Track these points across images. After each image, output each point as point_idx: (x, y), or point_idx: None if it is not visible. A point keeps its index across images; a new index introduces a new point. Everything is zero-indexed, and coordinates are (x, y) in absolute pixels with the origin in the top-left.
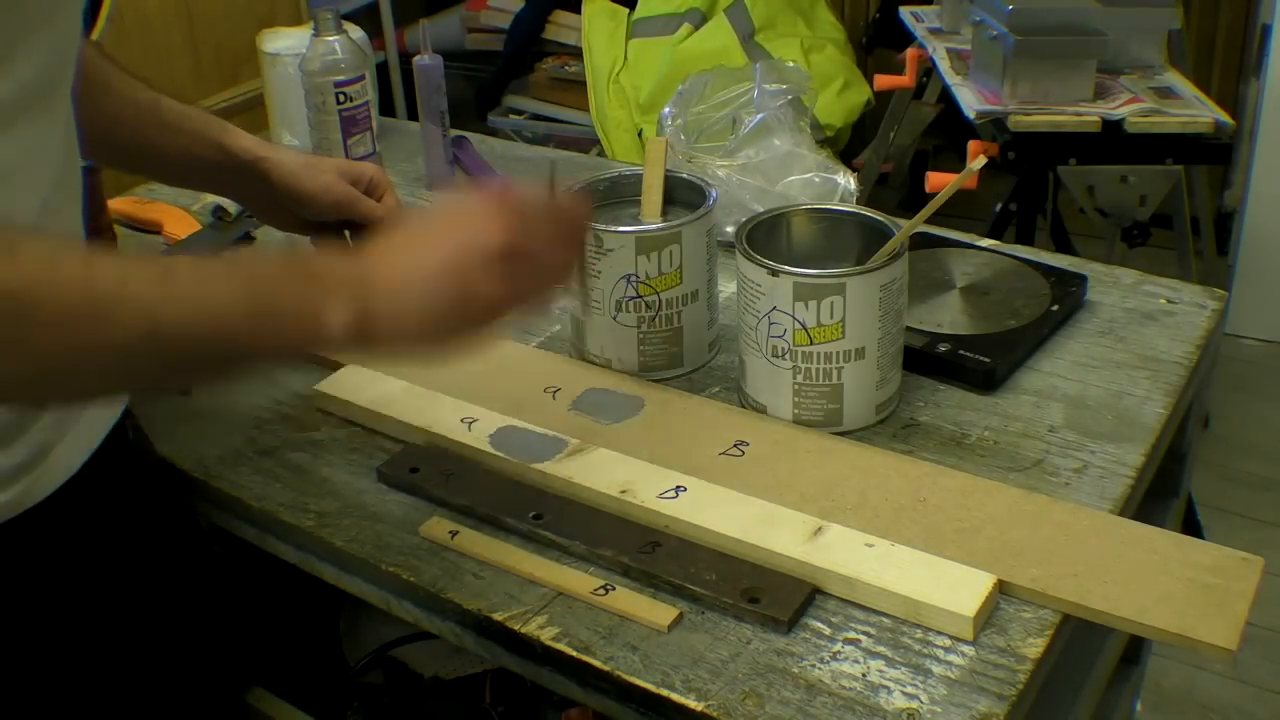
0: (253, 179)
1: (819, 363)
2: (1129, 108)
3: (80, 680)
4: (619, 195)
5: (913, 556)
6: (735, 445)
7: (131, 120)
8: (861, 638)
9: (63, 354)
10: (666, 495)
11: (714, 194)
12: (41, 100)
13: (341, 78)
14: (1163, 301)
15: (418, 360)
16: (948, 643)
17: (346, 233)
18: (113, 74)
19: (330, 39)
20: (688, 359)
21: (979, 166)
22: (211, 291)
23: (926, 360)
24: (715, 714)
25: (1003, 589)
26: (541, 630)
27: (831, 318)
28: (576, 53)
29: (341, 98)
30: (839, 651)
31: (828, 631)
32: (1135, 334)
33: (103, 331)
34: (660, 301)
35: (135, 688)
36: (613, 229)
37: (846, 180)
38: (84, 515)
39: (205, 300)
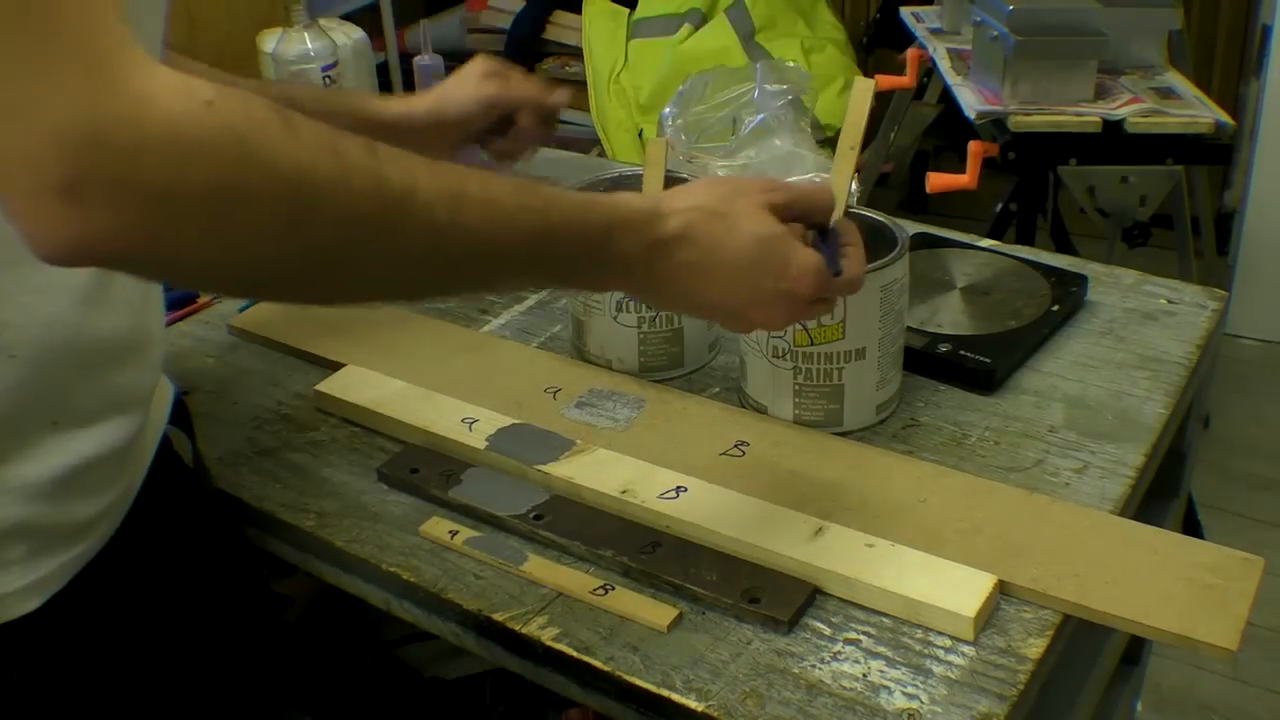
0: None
1: (819, 363)
2: (1129, 108)
3: (133, 711)
4: None
5: (913, 556)
6: (736, 445)
7: None
8: (862, 638)
9: (340, 250)
10: (667, 495)
11: None
12: None
13: (325, 63)
14: (1163, 302)
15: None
16: (948, 643)
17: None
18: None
19: (301, 31)
20: (688, 359)
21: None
22: (501, 227)
23: (927, 360)
24: (716, 714)
25: (1003, 589)
26: (542, 630)
27: (832, 318)
28: (577, 53)
29: (328, 81)
30: (839, 652)
31: (828, 632)
32: (1135, 334)
33: (384, 238)
34: None
35: (185, 713)
36: None
37: None
38: (141, 550)
39: (493, 237)
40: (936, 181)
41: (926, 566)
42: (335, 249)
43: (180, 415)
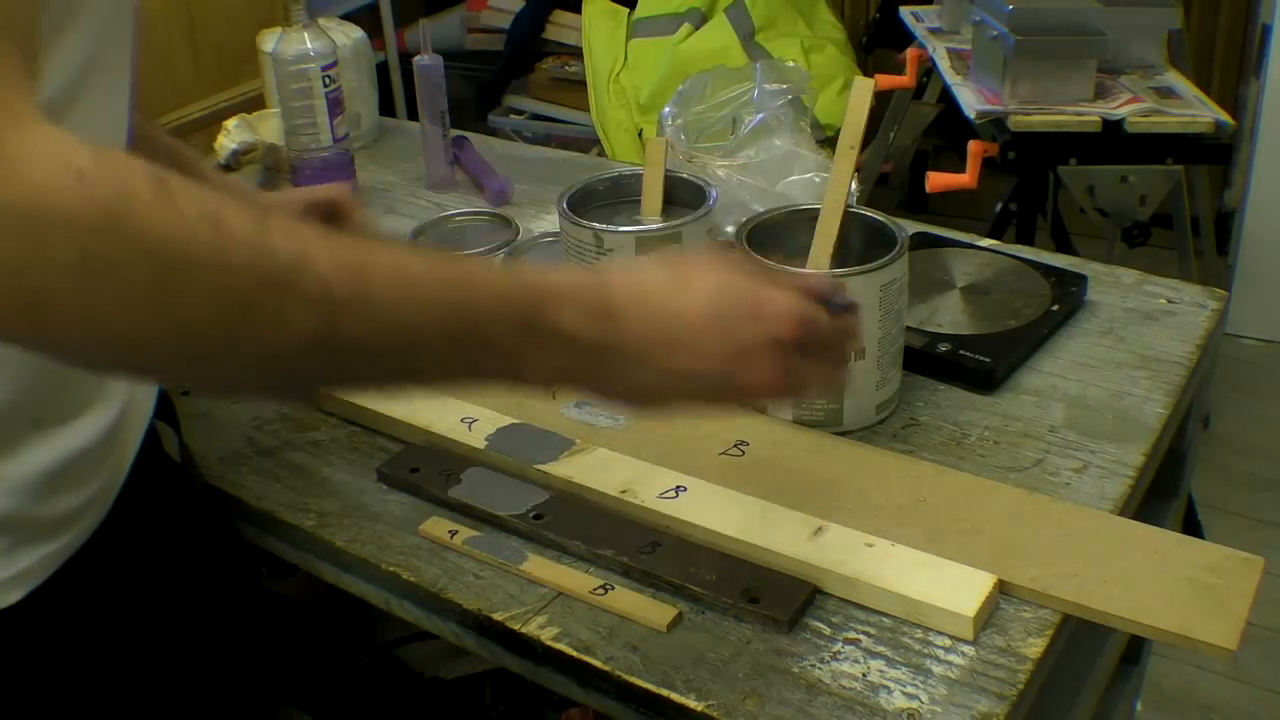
0: None
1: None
2: (1129, 107)
3: (118, 705)
4: (619, 195)
5: (913, 556)
6: (735, 445)
7: None
8: (862, 638)
9: (218, 332)
10: (667, 495)
11: (714, 194)
12: (97, 77)
13: (325, 62)
14: (1163, 301)
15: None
16: (948, 642)
17: None
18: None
19: (301, 30)
20: None
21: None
22: (411, 301)
23: (927, 360)
24: (716, 714)
25: (1003, 589)
26: (541, 630)
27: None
28: (576, 53)
29: (327, 80)
30: (839, 651)
31: (828, 631)
32: (1135, 334)
33: (269, 320)
34: None
35: (171, 707)
36: (613, 229)
37: None
38: (126, 544)
39: (402, 310)
40: (936, 181)
41: (926, 566)
42: (212, 332)
43: (167, 410)
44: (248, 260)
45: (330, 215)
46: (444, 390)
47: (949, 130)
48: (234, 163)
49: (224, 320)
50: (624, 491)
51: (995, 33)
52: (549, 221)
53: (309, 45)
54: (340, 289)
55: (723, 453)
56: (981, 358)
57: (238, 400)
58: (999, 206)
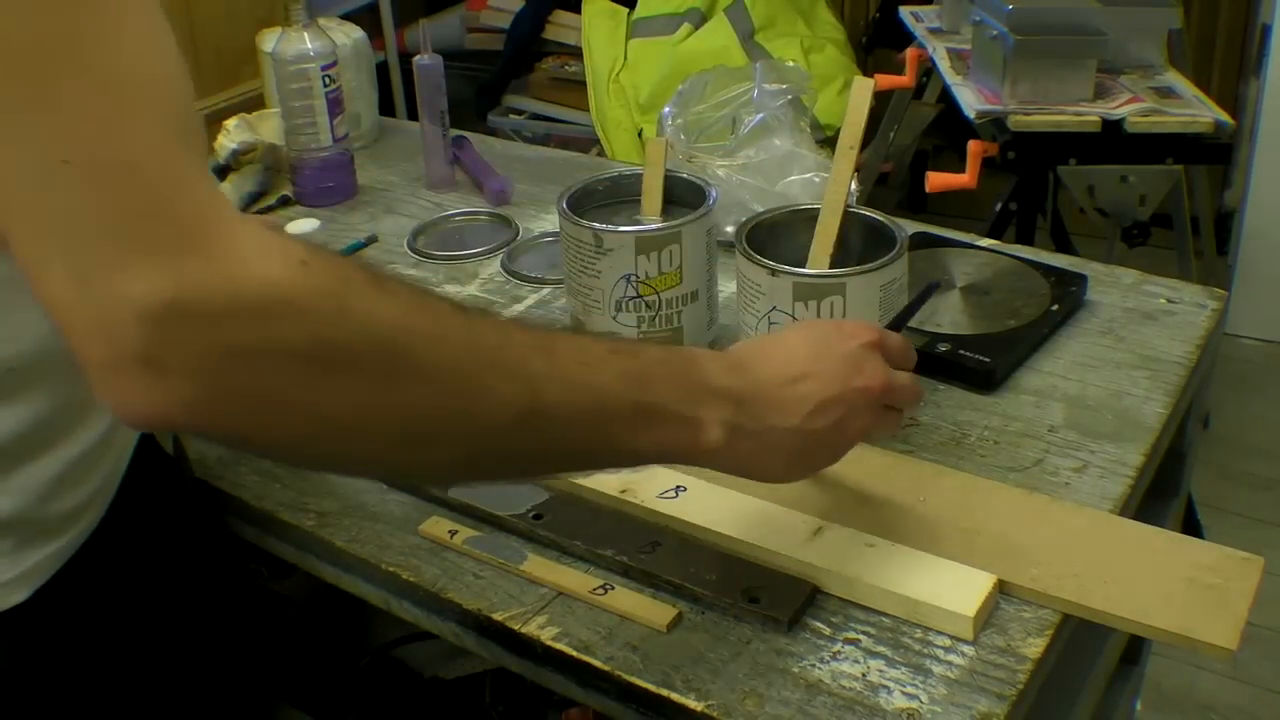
0: None
1: None
2: (1129, 107)
3: (120, 703)
4: (619, 195)
5: (913, 556)
6: None
7: None
8: (861, 637)
9: (428, 416)
10: (666, 495)
11: (714, 194)
12: None
13: (325, 62)
14: (1163, 301)
15: (765, 479)
16: (948, 642)
17: None
18: None
19: (301, 30)
20: None
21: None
22: (596, 372)
23: (926, 360)
24: (715, 714)
25: (1003, 589)
26: (541, 630)
27: (831, 317)
28: (576, 53)
29: (327, 80)
30: (839, 651)
31: (828, 631)
32: (1135, 334)
33: (481, 396)
34: (660, 301)
35: (171, 706)
36: (613, 229)
37: None
38: (126, 539)
39: (589, 380)
40: (936, 181)
41: (926, 566)
42: (432, 411)
43: None
44: (463, 340)
45: None
46: (638, 469)
47: (949, 130)
48: (234, 163)
49: (443, 399)
50: (624, 491)
51: (995, 32)
52: (549, 221)
53: (309, 45)
54: (537, 362)
55: None
56: (981, 357)
57: (435, 486)
58: (999, 206)
